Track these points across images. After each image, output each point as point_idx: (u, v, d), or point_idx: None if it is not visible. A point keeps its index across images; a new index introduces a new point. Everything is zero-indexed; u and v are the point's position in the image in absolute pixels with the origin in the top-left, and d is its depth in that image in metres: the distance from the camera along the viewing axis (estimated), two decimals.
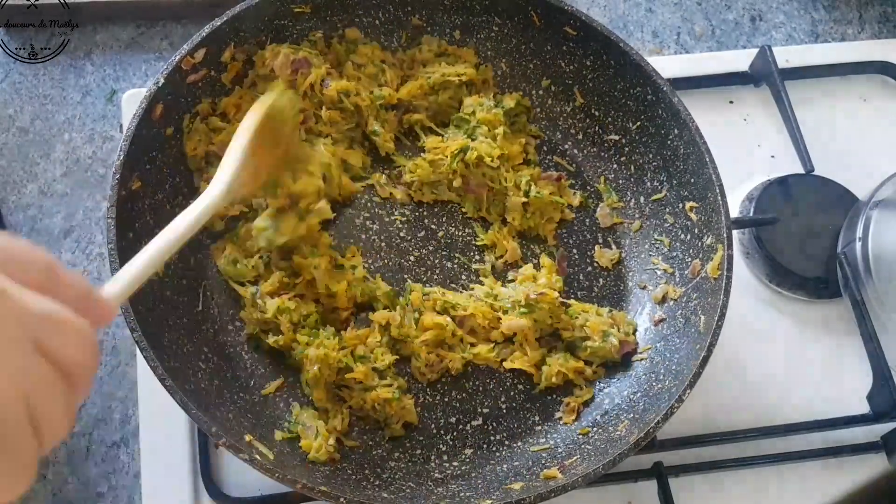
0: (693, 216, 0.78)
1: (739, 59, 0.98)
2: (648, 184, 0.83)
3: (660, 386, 0.72)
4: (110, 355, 0.85)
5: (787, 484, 0.80)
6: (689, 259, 0.77)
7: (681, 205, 0.79)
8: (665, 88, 0.78)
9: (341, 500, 0.61)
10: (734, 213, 0.88)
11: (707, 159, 0.75)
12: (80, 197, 0.92)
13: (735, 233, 0.75)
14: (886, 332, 0.82)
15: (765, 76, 0.97)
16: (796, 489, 0.80)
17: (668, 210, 0.81)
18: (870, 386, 0.83)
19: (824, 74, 0.99)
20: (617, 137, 0.85)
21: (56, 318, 0.39)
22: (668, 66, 0.88)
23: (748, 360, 0.84)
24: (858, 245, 0.83)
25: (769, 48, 0.96)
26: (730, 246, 0.72)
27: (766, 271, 0.88)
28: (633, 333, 0.78)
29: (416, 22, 0.87)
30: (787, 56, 0.98)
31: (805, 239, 0.88)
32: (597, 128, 0.86)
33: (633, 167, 0.84)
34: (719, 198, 0.74)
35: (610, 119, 0.85)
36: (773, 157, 0.95)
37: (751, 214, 0.89)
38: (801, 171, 0.92)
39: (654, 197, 0.82)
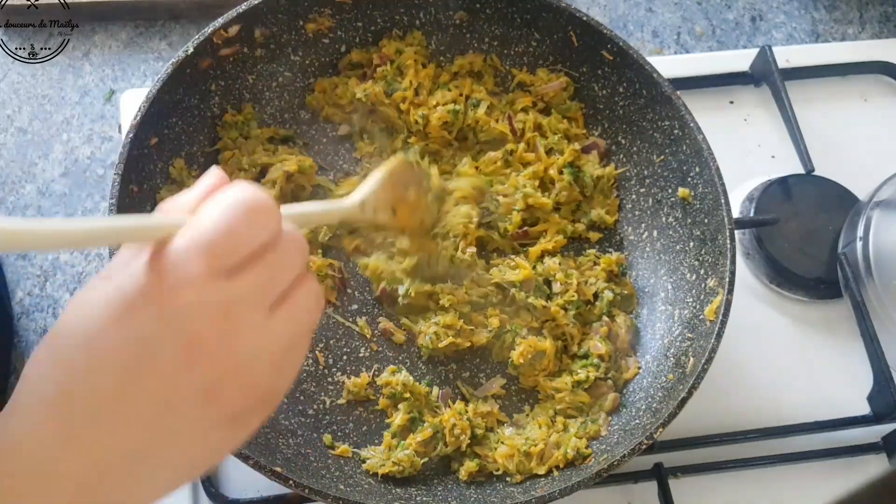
0: (701, 257, 0.77)
1: (740, 59, 0.98)
2: (664, 218, 0.82)
3: (637, 422, 0.73)
4: None
5: (787, 485, 0.80)
6: (690, 300, 0.77)
7: (691, 244, 0.79)
8: (692, 125, 0.77)
9: (290, 482, 0.63)
10: (734, 213, 0.88)
11: (722, 201, 0.75)
12: (79, 197, 0.92)
13: (735, 233, 0.75)
14: (887, 332, 0.82)
15: (765, 76, 0.96)
16: (796, 490, 0.79)
17: (678, 247, 0.81)
18: (870, 387, 0.83)
19: (825, 74, 0.99)
20: (640, 168, 0.85)
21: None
22: (668, 66, 0.88)
23: (748, 360, 0.84)
24: (859, 245, 0.83)
25: (769, 48, 0.95)
26: (730, 291, 0.71)
27: (766, 272, 0.88)
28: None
29: (457, 24, 0.87)
30: (788, 56, 0.98)
31: (805, 239, 0.88)
32: (621, 155, 0.86)
33: (651, 200, 0.84)
34: (728, 241, 0.73)
35: (635, 148, 0.84)
36: (773, 157, 0.95)
37: (751, 215, 0.88)
38: (802, 171, 0.92)
39: (668, 232, 0.82)
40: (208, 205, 0.42)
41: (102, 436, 0.40)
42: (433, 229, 0.76)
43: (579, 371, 0.76)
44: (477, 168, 0.85)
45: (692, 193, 0.79)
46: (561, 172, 0.84)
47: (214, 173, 0.45)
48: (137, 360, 0.40)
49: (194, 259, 0.40)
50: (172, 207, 0.44)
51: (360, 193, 0.65)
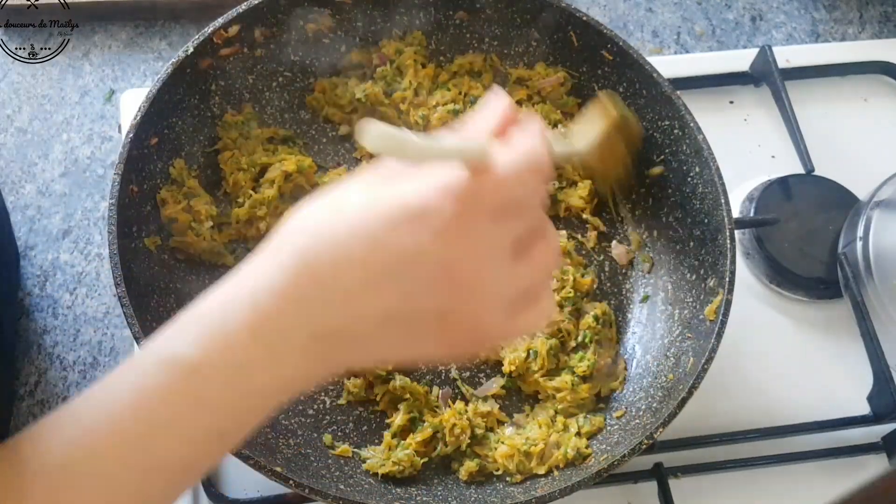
0: (701, 257, 0.77)
1: (740, 59, 0.98)
2: (664, 218, 0.82)
3: (637, 422, 0.73)
4: (109, 356, 0.85)
5: (787, 485, 0.80)
6: (691, 299, 0.77)
7: (691, 243, 0.79)
8: (692, 125, 0.77)
9: (291, 482, 0.63)
10: (734, 213, 0.88)
11: (722, 200, 0.75)
12: (79, 197, 0.92)
13: (735, 233, 0.75)
14: (887, 332, 0.82)
15: (765, 76, 0.96)
16: (796, 490, 0.79)
17: (678, 247, 0.80)
18: (870, 387, 0.83)
19: (824, 74, 0.99)
20: (640, 168, 0.84)
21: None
22: (668, 66, 0.88)
23: (748, 360, 0.84)
24: (859, 245, 0.83)
25: (769, 48, 0.95)
26: (730, 291, 0.71)
27: (766, 272, 0.88)
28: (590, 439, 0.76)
29: (457, 24, 0.87)
30: (788, 56, 0.98)
31: (805, 239, 0.88)
32: None
33: (651, 199, 0.84)
34: (728, 241, 0.73)
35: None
36: (773, 157, 0.95)
37: (751, 215, 0.88)
38: (802, 171, 0.92)
39: (668, 232, 0.82)
40: (506, 150, 0.45)
41: (336, 316, 0.44)
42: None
43: (579, 364, 0.76)
44: None
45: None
46: None
47: (503, 99, 0.48)
48: (398, 266, 0.43)
49: (486, 195, 0.43)
50: (471, 130, 0.48)
51: (586, 140, 0.66)
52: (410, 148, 0.41)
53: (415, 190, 0.43)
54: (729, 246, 0.73)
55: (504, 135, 0.47)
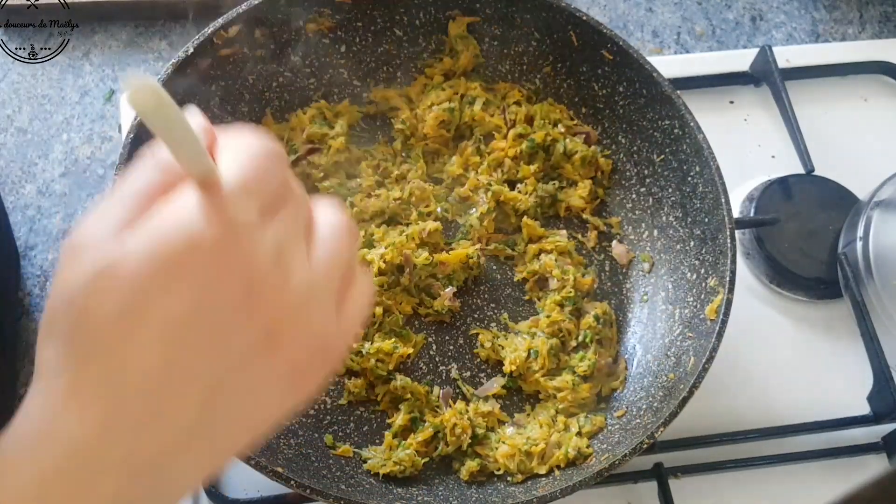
0: (701, 256, 0.77)
1: (740, 59, 0.98)
2: (664, 218, 0.82)
3: (637, 421, 0.73)
4: None
5: (787, 485, 0.80)
6: (691, 299, 0.77)
7: (691, 243, 0.79)
8: (692, 124, 0.77)
9: (292, 482, 0.63)
10: (734, 213, 0.88)
11: (723, 200, 0.75)
12: (79, 197, 0.92)
13: (735, 233, 0.75)
14: (887, 332, 0.82)
15: (765, 76, 0.96)
16: (796, 490, 0.79)
17: (678, 247, 0.81)
18: (870, 387, 0.83)
19: (825, 74, 0.99)
20: (640, 167, 0.85)
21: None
22: (668, 66, 0.88)
23: (748, 360, 0.84)
24: (859, 245, 0.83)
25: (769, 48, 0.95)
26: (731, 290, 0.71)
27: (766, 272, 0.88)
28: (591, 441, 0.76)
29: (457, 25, 0.87)
30: (788, 56, 0.98)
31: (805, 239, 0.88)
32: (621, 155, 0.86)
33: (651, 199, 0.84)
34: (729, 241, 0.73)
35: (635, 148, 0.85)
36: (773, 157, 0.95)
37: (751, 215, 0.89)
38: (802, 171, 0.92)
39: (668, 232, 0.82)
40: (232, 150, 0.39)
41: (156, 414, 0.35)
42: None
43: (580, 363, 0.76)
44: (466, 167, 0.85)
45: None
46: (520, 138, 0.84)
47: (197, 118, 0.40)
48: (195, 316, 0.35)
49: (247, 202, 0.37)
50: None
51: None
52: (171, 122, 0.35)
53: (164, 231, 0.35)
54: (729, 245, 0.73)
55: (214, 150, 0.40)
